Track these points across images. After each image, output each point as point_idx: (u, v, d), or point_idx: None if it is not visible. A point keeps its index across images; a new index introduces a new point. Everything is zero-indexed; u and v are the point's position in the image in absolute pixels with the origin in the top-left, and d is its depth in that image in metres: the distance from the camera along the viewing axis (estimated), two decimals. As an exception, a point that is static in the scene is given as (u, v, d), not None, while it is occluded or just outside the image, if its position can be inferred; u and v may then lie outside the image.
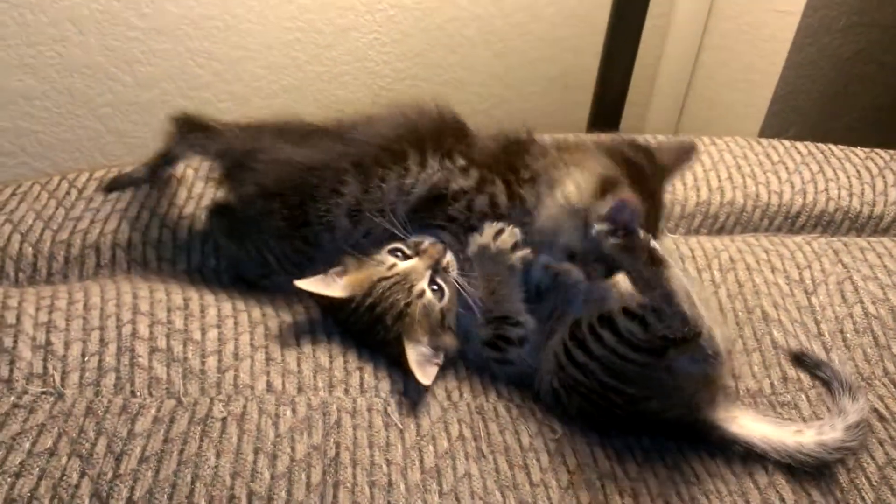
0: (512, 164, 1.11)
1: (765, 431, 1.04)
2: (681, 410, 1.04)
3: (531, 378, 1.09)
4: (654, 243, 0.98)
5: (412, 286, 1.05)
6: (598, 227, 0.99)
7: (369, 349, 1.08)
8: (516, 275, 1.06)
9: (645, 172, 1.09)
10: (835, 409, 1.08)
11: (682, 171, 1.22)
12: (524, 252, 1.05)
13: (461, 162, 1.11)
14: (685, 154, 1.15)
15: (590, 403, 1.04)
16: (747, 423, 1.05)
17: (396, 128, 1.12)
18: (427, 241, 1.09)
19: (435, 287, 1.07)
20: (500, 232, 1.05)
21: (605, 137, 1.20)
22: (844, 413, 1.06)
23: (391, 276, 1.06)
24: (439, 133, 1.12)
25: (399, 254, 1.09)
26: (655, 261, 0.97)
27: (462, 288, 1.08)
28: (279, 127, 1.17)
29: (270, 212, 1.10)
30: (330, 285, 1.06)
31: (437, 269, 1.08)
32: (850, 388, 1.09)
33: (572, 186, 1.06)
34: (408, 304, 1.04)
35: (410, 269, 1.06)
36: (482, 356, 1.10)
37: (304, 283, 1.04)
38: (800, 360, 1.16)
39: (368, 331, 1.06)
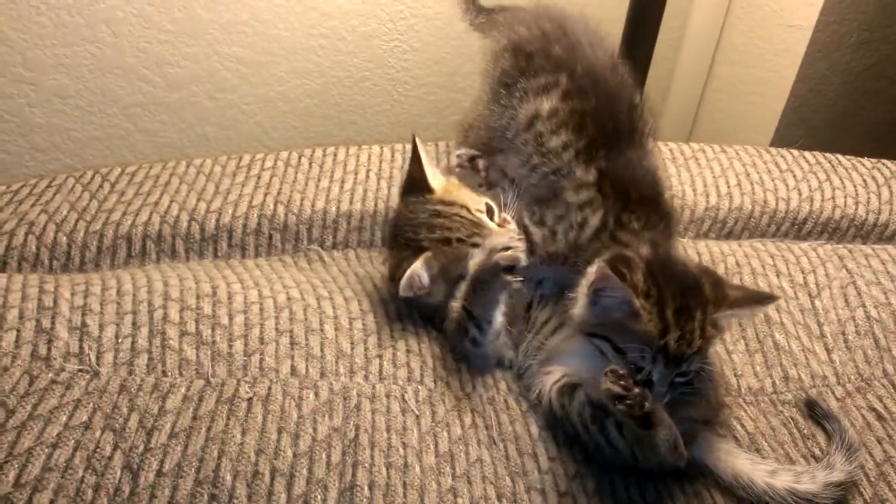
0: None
1: (736, 466, 1.02)
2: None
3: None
4: (654, 407, 0.94)
5: (479, 236, 1.10)
6: (603, 381, 0.94)
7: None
8: (500, 290, 1.07)
9: (690, 284, 0.98)
10: (824, 462, 1.05)
11: (741, 308, 0.99)
12: (515, 279, 1.04)
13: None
14: (757, 299, 1.02)
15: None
16: (721, 456, 1.04)
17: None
18: (513, 225, 1.15)
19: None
20: (508, 248, 1.04)
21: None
22: (831, 468, 1.02)
23: (473, 215, 1.11)
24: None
25: (487, 210, 1.15)
26: (649, 424, 0.94)
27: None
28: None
29: (501, 65, 1.23)
30: (433, 167, 1.16)
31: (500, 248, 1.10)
32: (849, 448, 1.05)
33: (592, 267, 1.01)
34: (460, 240, 1.10)
35: (489, 228, 1.12)
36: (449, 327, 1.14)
37: (420, 141, 1.16)
38: (811, 408, 1.13)
39: (408, 223, 1.13)
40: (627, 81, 1.19)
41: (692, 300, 0.96)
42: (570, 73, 1.16)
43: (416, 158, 1.16)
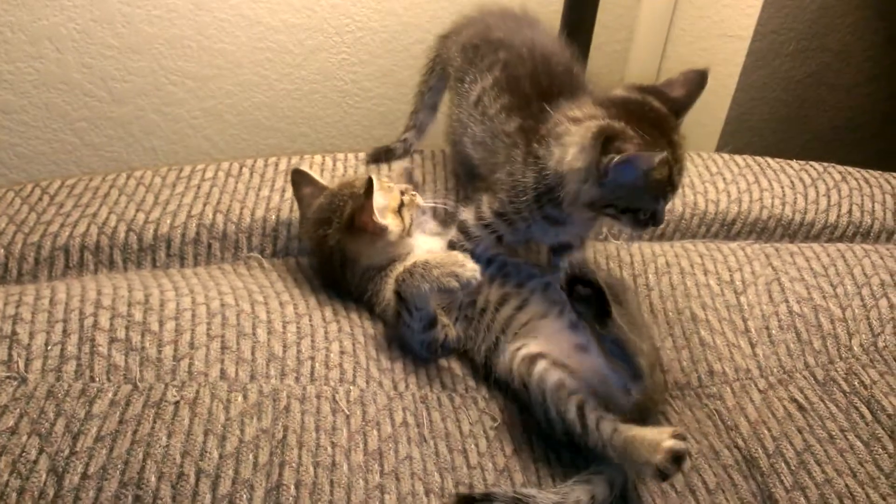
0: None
1: None
2: None
3: None
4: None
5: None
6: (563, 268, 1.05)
7: None
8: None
9: (655, 113, 1.05)
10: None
11: (695, 101, 1.08)
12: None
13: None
14: (697, 82, 1.09)
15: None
16: None
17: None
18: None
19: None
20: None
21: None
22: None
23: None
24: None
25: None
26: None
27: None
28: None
29: (450, 55, 1.35)
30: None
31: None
32: None
33: (573, 148, 1.04)
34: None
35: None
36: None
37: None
38: None
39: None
40: (566, 48, 1.26)
41: (667, 128, 1.03)
42: (509, 48, 1.22)
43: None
